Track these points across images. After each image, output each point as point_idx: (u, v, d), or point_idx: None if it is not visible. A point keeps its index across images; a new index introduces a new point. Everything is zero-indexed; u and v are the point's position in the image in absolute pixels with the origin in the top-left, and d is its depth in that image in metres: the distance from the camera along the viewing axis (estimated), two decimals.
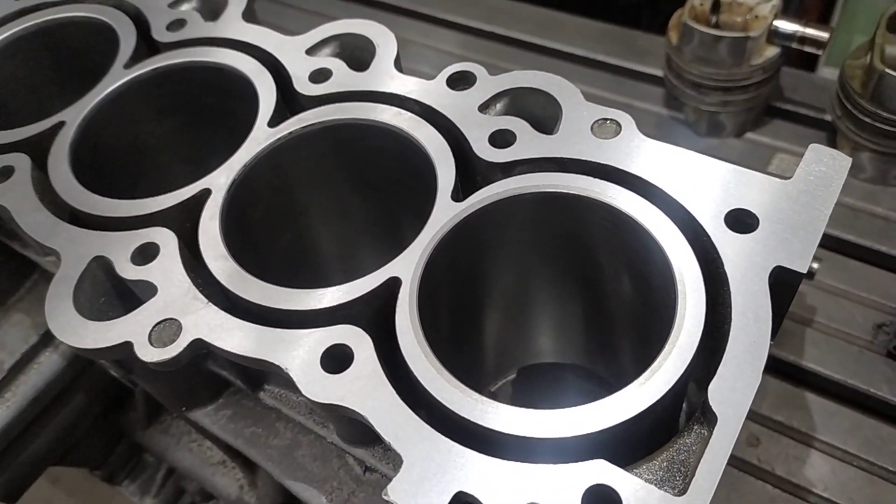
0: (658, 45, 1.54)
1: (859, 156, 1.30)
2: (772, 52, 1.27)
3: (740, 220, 0.63)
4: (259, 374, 0.74)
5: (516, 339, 0.93)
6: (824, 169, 0.65)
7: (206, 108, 0.90)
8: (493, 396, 1.02)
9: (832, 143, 1.38)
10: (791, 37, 1.25)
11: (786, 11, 1.30)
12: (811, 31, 1.24)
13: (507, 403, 1.01)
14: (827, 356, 1.15)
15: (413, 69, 1.71)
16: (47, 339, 0.98)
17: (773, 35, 1.26)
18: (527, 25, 1.68)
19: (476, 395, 0.57)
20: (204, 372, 0.75)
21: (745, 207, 0.64)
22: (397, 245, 0.95)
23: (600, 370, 0.96)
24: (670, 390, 0.55)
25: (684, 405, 0.72)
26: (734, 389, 0.54)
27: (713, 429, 0.53)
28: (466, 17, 1.73)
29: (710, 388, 0.55)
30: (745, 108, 1.35)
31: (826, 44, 1.24)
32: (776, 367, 1.15)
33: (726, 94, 1.32)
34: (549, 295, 0.86)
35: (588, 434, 0.54)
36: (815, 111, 1.43)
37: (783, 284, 0.61)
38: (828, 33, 1.24)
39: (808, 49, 1.26)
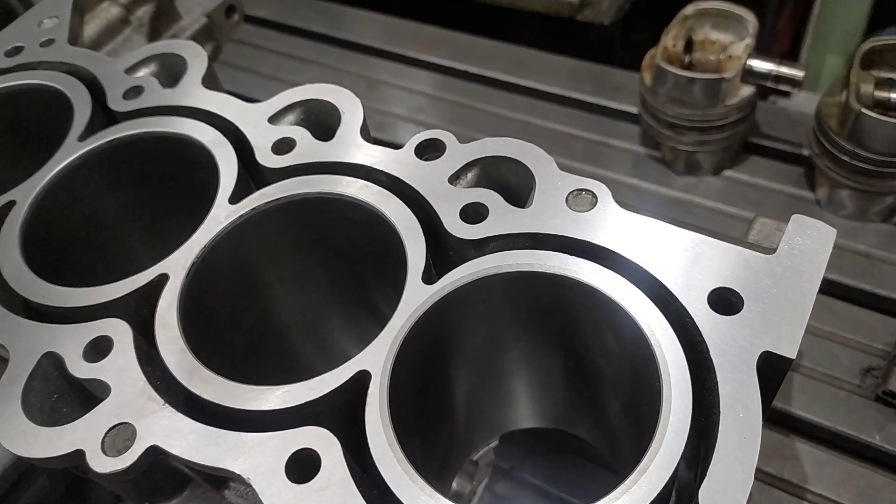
0: (631, 81, 1.53)
1: (838, 193, 1.28)
2: (746, 91, 1.26)
3: (724, 300, 0.61)
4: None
5: (496, 407, 0.90)
6: (808, 242, 0.62)
7: (166, 179, 0.86)
8: (475, 465, 0.99)
9: (810, 178, 1.37)
10: (766, 76, 1.24)
11: (758, 36, 1.28)
12: (786, 70, 1.23)
13: (490, 470, 0.97)
14: (815, 402, 1.12)
15: (386, 110, 1.69)
16: None
17: (748, 74, 1.24)
18: (499, 63, 1.66)
19: None
20: (166, 467, 0.71)
21: (729, 286, 0.61)
22: (367, 314, 0.92)
23: (582, 434, 0.92)
24: (661, 492, 0.52)
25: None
26: (725, 493, 0.51)
27: None
28: (439, 56, 1.70)
29: (701, 492, 0.52)
30: (721, 147, 1.33)
31: (801, 82, 1.23)
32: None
33: (702, 134, 1.30)
34: (527, 364, 0.83)
35: None
36: (791, 146, 1.42)
37: (771, 368, 0.58)
38: (803, 72, 1.23)
39: (783, 87, 1.25)
